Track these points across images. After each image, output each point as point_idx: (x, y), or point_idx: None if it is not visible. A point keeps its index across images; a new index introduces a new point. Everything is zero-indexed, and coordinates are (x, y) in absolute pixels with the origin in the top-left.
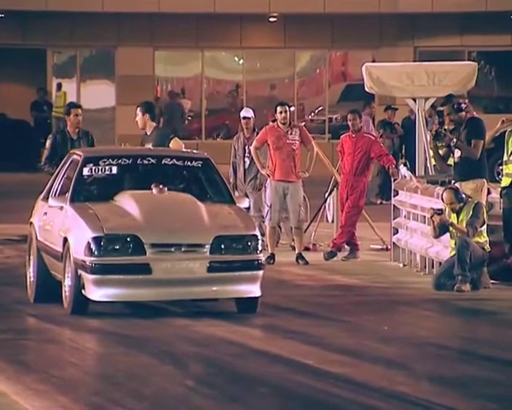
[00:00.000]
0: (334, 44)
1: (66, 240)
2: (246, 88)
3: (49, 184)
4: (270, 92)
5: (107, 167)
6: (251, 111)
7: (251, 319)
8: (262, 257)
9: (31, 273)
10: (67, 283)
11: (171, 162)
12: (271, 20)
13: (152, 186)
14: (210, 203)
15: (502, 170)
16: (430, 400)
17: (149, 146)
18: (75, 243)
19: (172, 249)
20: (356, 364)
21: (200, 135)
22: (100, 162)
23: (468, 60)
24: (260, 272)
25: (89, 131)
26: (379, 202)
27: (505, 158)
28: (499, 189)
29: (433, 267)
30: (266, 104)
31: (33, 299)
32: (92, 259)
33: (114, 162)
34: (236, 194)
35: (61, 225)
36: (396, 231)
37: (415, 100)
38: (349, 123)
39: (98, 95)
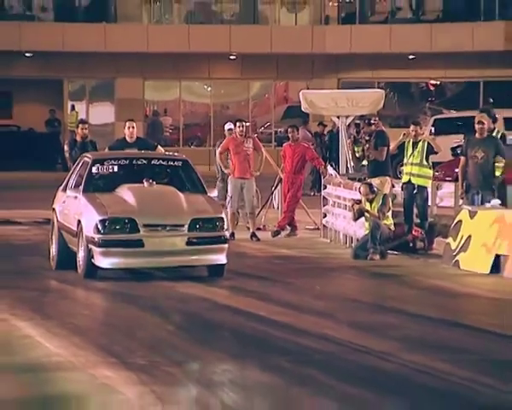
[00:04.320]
0: (278, 76)
1: (79, 221)
2: (213, 108)
3: (66, 179)
4: (231, 112)
5: (110, 167)
6: (232, 124)
7: (218, 282)
8: (227, 234)
9: (53, 248)
10: (81, 254)
11: (159, 163)
12: (231, 57)
13: (144, 181)
14: (188, 193)
15: (402, 170)
16: (350, 341)
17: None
18: (86, 224)
19: (160, 228)
20: (296, 315)
21: (179, 143)
22: (105, 163)
23: (378, 88)
24: (226, 245)
25: (93, 139)
26: (312, 193)
27: (405, 161)
28: (400, 184)
29: (352, 242)
30: (228, 121)
31: (55, 267)
32: (99, 236)
33: (116, 163)
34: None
35: (76, 209)
36: (325, 216)
37: (338, 117)
38: (289, 135)
39: (102, 114)
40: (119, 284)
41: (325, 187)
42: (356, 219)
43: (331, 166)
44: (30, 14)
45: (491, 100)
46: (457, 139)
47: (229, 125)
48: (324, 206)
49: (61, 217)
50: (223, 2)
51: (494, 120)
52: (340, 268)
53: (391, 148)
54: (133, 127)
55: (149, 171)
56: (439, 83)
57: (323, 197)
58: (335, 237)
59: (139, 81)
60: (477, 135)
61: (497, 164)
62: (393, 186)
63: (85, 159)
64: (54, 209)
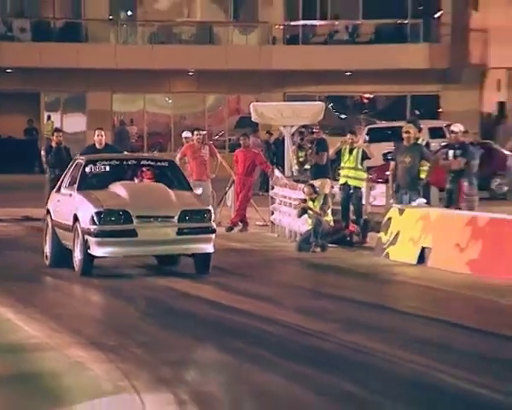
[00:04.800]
0: (231, 90)
1: (76, 216)
2: (173, 119)
3: (60, 181)
4: (189, 122)
5: (102, 167)
6: (190, 132)
7: (183, 272)
8: (214, 225)
9: (47, 247)
10: (77, 250)
11: (147, 163)
12: (189, 74)
13: (134, 178)
14: (175, 190)
15: (340, 173)
16: (296, 324)
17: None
18: (83, 217)
19: (152, 220)
20: (251, 302)
21: (143, 150)
22: (97, 163)
23: (318, 101)
24: (213, 235)
25: (67, 146)
26: (261, 193)
27: (342, 165)
28: (338, 185)
29: (296, 237)
30: (186, 129)
31: (49, 264)
32: (95, 227)
33: (107, 163)
34: None
35: (71, 205)
36: (272, 213)
37: (284, 126)
38: (241, 142)
39: (74, 123)
40: (105, 279)
41: (273, 188)
42: (300, 215)
43: (278, 169)
44: (10, 34)
45: (417, 112)
46: (388, 146)
47: (185, 134)
48: (272, 204)
49: (54, 215)
50: (182, 25)
51: (419, 130)
52: (286, 260)
53: (330, 153)
54: (102, 135)
55: (139, 171)
56: (372, 96)
57: (271, 197)
58: (282, 232)
59: (108, 94)
60: (405, 142)
61: (422, 168)
62: (333, 187)
63: (78, 161)
64: (48, 210)
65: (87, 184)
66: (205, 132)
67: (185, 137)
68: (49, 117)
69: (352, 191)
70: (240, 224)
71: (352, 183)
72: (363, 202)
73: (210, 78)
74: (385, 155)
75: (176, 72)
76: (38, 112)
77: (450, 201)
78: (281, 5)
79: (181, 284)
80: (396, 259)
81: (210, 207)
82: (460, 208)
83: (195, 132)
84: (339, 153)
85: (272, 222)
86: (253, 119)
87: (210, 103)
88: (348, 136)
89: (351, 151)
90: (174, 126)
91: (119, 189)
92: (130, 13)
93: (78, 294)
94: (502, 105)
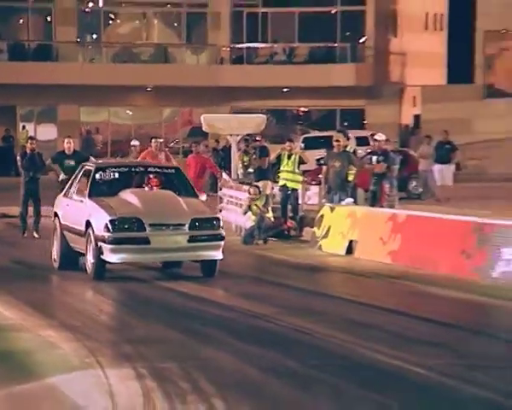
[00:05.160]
0: (184, 104)
1: (88, 222)
2: (133, 128)
3: (67, 187)
4: (147, 131)
5: (111, 174)
6: (137, 141)
7: (149, 266)
8: (223, 232)
9: (55, 249)
10: (89, 254)
11: (155, 170)
12: (148, 89)
13: (143, 185)
14: (183, 197)
15: (279, 176)
16: (244, 308)
17: (71, 161)
18: (96, 224)
19: (163, 228)
20: (204, 289)
21: (107, 155)
22: (107, 170)
23: (261, 113)
24: (222, 242)
25: (40, 152)
26: (211, 194)
27: (281, 169)
28: (278, 186)
29: (241, 231)
30: (145, 138)
31: (58, 266)
32: (109, 234)
33: (116, 170)
34: None
35: (83, 211)
36: (220, 211)
37: (231, 135)
38: (192, 149)
39: (46, 132)
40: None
41: (221, 189)
42: (245, 213)
43: (225, 172)
44: None
45: (345, 123)
46: (321, 153)
47: (134, 142)
48: (220, 203)
49: (64, 219)
50: (141, 46)
51: (347, 139)
52: (232, 251)
53: (271, 158)
54: (70, 142)
55: (147, 178)
56: (306, 110)
57: (219, 197)
58: (229, 228)
59: (76, 107)
60: (335, 150)
61: (349, 172)
62: (273, 188)
63: (87, 167)
64: (56, 213)
65: (98, 191)
66: (161, 140)
67: (133, 145)
68: (23, 127)
69: (290, 192)
70: None
71: (290, 185)
72: (300, 201)
73: (166, 93)
74: (318, 160)
75: (136, 87)
76: (15, 122)
77: (374, 200)
78: (227, 30)
79: (147, 274)
80: (327, 250)
81: (219, 215)
82: (382, 207)
83: (153, 140)
84: (278, 158)
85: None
86: (203, 129)
87: (166, 115)
88: (287, 143)
89: (289, 157)
90: (134, 135)
91: (130, 196)
92: (95, 36)
93: (55, 283)
94: (417, 118)
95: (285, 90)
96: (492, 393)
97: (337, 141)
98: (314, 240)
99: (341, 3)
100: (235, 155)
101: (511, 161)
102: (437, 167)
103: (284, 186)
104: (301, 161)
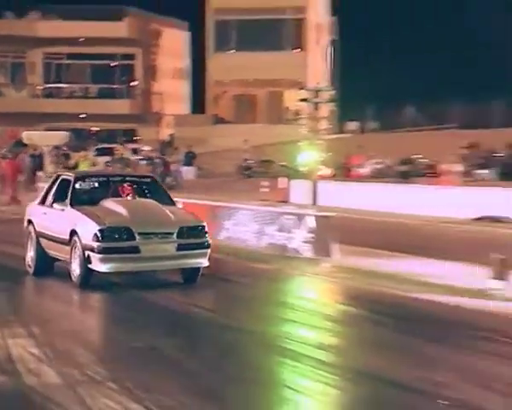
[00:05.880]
0: (11, 125)
1: (73, 231)
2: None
3: (42, 196)
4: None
5: (90, 183)
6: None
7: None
8: (209, 239)
9: (30, 255)
10: (75, 263)
11: (132, 179)
12: (81, 116)
13: (121, 194)
14: (163, 205)
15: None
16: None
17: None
18: (83, 233)
19: (153, 236)
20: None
21: None
22: (86, 180)
23: (65, 131)
24: (209, 250)
25: None
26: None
27: (79, 169)
28: None
29: None
30: None
31: (33, 272)
32: (98, 244)
33: (95, 179)
34: None
35: (66, 220)
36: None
37: (46, 146)
38: (9, 156)
39: None
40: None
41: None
42: None
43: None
44: None
45: (124, 139)
46: (107, 158)
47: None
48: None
49: (39, 226)
50: None
51: (125, 149)
52: None
53: (72, 162)
54: None
55: (123, 187)
56: (98, 129)
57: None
58: None
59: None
60: (116, 156)
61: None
62: None
63: (65, 177)
64: (30, 221)
65: (79, 200)
66: None
67: None
68: None
69: None
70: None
71: None
72: None
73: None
74: (106, 162)
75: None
76: None
77: None
78: (41, 74)
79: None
80: None
81: (204, 223)
82: None
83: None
84: (78, 162)
85: None
86: (25, 142)
87: None
88: (82, 153)
89: (84, 162)
90: None
91: (114, 206)
92: None
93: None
94: (171, 136)
95: (82, 115)
96: None
97: (118, 150)
98: None
99: (121, 59)
100: (47, 159)
101: (233, 165)
102: (184, 169)
103: None
104: (93, 164)
